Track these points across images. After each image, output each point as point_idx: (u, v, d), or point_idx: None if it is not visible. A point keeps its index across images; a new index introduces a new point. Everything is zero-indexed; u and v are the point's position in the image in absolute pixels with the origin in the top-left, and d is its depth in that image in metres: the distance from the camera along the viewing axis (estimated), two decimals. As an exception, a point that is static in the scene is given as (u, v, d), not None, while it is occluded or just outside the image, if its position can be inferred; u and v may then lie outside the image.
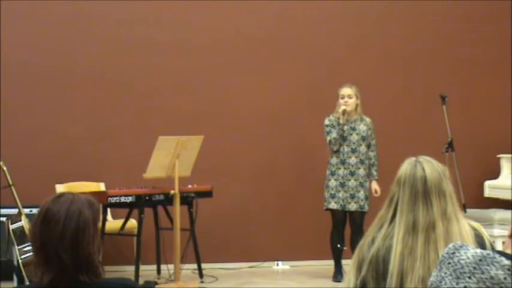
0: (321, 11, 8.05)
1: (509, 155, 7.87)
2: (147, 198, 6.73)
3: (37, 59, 7.56)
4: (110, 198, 6.57)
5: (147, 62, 7.75)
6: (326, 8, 8.05)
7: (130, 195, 6.67)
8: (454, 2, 8.24)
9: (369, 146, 7.07)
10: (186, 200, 6.86)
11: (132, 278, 6.28)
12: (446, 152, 7.04)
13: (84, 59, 7.65)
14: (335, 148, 7.00)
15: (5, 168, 6.55)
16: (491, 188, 7.92)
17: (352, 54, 8.07)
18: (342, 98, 7.04)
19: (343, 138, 6.99)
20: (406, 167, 2.71)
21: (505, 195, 7.68)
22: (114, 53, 7.71)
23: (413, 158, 2.75)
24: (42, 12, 7.59)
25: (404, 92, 8.15)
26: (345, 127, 7.00)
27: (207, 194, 7.10)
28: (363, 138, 7.02)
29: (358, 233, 6.77)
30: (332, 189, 7.00)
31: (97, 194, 6.38)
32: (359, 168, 6.98)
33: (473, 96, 8.26)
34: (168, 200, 6.73)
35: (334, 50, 8.04)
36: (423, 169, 2.68)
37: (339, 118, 7.01)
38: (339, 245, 7.00)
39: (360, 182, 6.96)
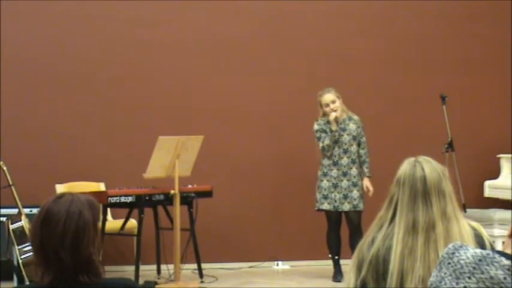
0: (320, 11, 8.05)
1: (509, 155, 7.87)
2: (147, 198, 6.73)
3: (37, 58, 7.57)
4: (110, 198, 6.57)
5: (147, 62, 7.75)
6: (325, 8, 8.04)
7: (130, 195, 6.67)
8: (454, 2, 8.24)
9: (359, 144, 7.04)
10: (186, 200, 6.85)
11: (132, 278, 6.28)
12: (446, 152, 7.04)
13: (84, 59, 7.65)
14: (328, 154, 6.97)
15: (5, 168, 6.55)
16: (491, 188, 7.92)
17: (351, 54, 8.06)
18: (327, 106, 6.97)
19: (335, 142, 6.96)
20: (405, 167, 2.72)
21: (505, 195, 7.68)
22: (114, 53, 7.71)
23: (413, 158, 2.75)
24: (42, 12, 7.59)
25: (404, 92, 8.15)
26: (336, 133, 6.97)
27: (207, 194, 7.10)
28: (354, 138, 6.99)
29: (356, 233, 6.77)
30: (325, 190, 6.98)
31: (97, 194, 6.37)
32: (351, 168, 6.96)
33: (473, 96, 8.26)
34: (168, 200, 6.73)
35: (334, 50, 8.04)
36: (423, 169, 2.69)
37: (328, 122, 6.97)
38: (330, 255, 7.01)
39: (353, 182, 6.94)
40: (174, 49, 7.80)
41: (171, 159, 6.62)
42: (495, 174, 7.98)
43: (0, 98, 7.42)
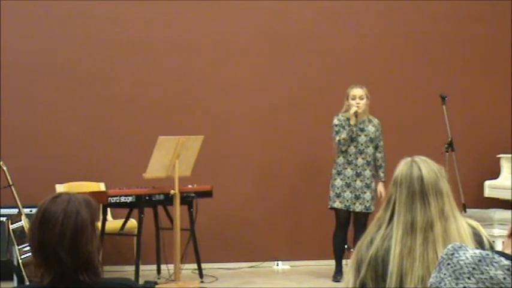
0: (320, 11, 8.05)
1: (509, 155, 7.87)
2: (147, 198, 6.73)
3: (37, 59, 7.56)
4: (110, 198, 6.57)
5: (147, 62, 7.75)
6: (326, 8, 8.05)
7: (131, 195, 6.67)
8: (454, 2, 8.25)
9: (376, 148, 7.05)
10: (186, 200, 6.86)
11: (132, 278, 6.28)
12: (446, 152, 7.04)
13: (84, 59, 7.65)
14: (343, 148, 6.97)
15: (5, 168, 6.55)
16: (491, 188, 7.92)
17: (352, 54, 8.07)
18: (353, 99, 6.98)
19: (350, 139, 6.96)
20: (402, 168, 2.72)
21: (505, 195, 7.69)
22: (114, 52, 7.71)
23: (409, 159, 2.75)
24: (42, 12, 7.59)
25: (404, 92, 8.15)
26: (354, 128, 6.97)
27: (207, 194, 7.10)
28: (371, 140, 7.00)
29: (362, 233, 6.74)
30: (338, 188, 6.98)
31: (97, 194, 6.38)
32: (365, 169, 6.96)
33: (473, 96, 8.26)
34: (168, 200, 6.73)
35: (335, 49, 8.04)
36: (419, 169, 2.69)
37: (348, 118, 6.98)
38: (346, 246, 6.97)
39: (366, 183, 6.95)
40: (174, 49, 7.80)
41: (171, 159, 6.62)
42: (495, 174, 7.98)
43: (0, 98, 7.41)
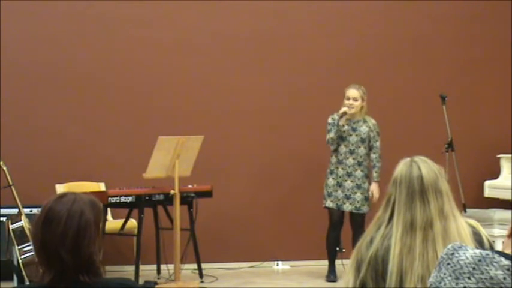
0: (321, 11, 8.05)
1: (509, 155, 7.87)
2: (147, 198, 6.73)
3: (37, 59, 7.56)
4: (110, 198, 6.57)
5: (147, 62, 7.75)
6: (326, 8, 8.05)
7: (131, 195, 6.68)
8: (454, 2, 8.25)
9: (370, 148, 7.03)
10: (186, 200, 6.86)
11: (132, 278, 6.28)
12: (446, 152, 7.04)
13: (84, 59, 7.65)
14: (332, 148, 6.99)
15: (5, 168, 6.55)
16: (491, 188, 7.92)
17: (352, 55, 8.06)
18: (347, 100, 6.98)
19: (341, 138, 6.96)
20: (401, 168, 2.73)
21: (505, 195, 7.68)
22: (114, 53, 7.71)
23: (409, 159, 2.76)
24: (43, 12, 7.59)
25: (405, 92, 8.15)
26: (345, 127, 6.97)
27: (207, 194, 7.10)
28: (362, 140, 6.99)
29: (359, 234, 6.73)
30: (330, 187, 7.00)
31: (97, 194, 6.37)
32: (356, 169, 6.96)
33: (473, 96, 8.27)
34: (168, 200, 6.73)
35: (335, 50, 8.04)
36: (419, 168, 2.70)
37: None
38: (337, 248, 6.99)
39: (357, 184, 6.94)
40: (174, 49, 7.80)
41: (171, 159, 6.62)
42: (495, 174, 7.98)
43: (0, 98, 7.41)
